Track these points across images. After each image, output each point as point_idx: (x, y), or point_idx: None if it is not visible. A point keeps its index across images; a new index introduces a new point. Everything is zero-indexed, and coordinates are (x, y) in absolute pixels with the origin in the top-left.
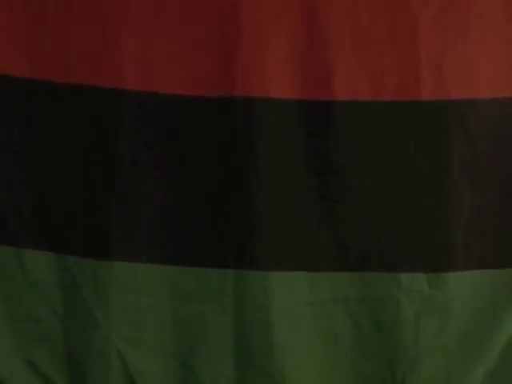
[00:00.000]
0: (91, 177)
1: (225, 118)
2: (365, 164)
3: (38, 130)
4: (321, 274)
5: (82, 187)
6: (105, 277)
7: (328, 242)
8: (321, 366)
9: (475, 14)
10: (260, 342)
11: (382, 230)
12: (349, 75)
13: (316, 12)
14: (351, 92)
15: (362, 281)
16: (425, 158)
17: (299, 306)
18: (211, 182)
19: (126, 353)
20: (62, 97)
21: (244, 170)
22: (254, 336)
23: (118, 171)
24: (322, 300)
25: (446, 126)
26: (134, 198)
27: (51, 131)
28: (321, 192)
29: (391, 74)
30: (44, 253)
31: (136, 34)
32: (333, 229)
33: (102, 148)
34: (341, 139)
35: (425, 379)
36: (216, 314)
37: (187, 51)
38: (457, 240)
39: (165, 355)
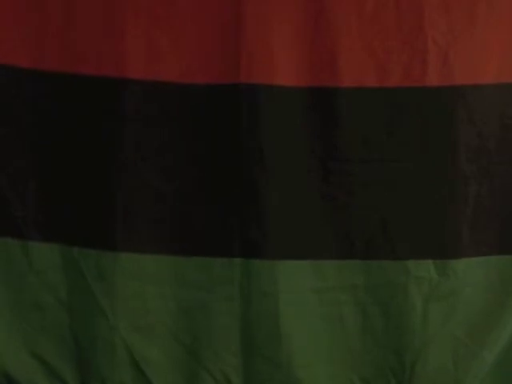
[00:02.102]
0: (96, 168)
1: (229, 105)
2: (370, 151)
3: (43, 121)
4: (327, 261)
5: (87, 178)
6: (110, 267)
7: (334, 230)
8: (327, 354)
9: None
10: (266, 330)
11: (388, 217)
12: (355, 62)
13: None
14: (357, 78)
15: (369, 268)
16: (431, 144)
17: (305, 294)
18: (216, 171)
19: (132, 342)
20: (68, 86)
21: (249, 158)
22: (261, 324)
23: (122, 162)
24: (329, 288)
25: (452, 111)
26: (138, 189)
27: (56, 121)
28: (326, 179)
29: (397, 61)
30: (49, 244)
31: (141, 23)
32: (338, 217)
33: (106, 138)
34: (346, 126)
35: (433, 366)
36: (222, 303)
37: (191, 39)
38: (464, 227)
39: (171, 344)
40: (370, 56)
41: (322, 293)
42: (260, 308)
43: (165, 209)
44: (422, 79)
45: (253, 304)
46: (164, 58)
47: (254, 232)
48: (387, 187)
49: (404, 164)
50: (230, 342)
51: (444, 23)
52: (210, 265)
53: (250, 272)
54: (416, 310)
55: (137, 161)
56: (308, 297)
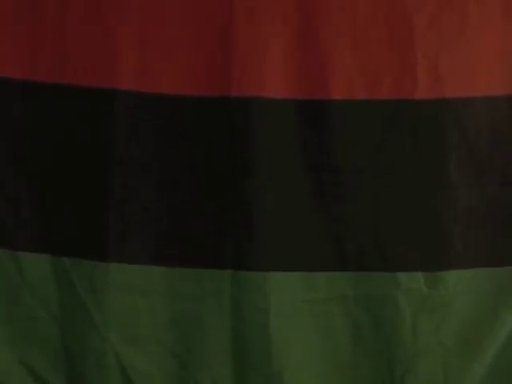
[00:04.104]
0: (87, 178)
1: (221, 118)
2: (361, 163)
3: (35, 132)
4: (318, 273)
5: (79, 189)
6: (101, 278)
7: (325, 242)
8: (319, 366)
9: (471, 12)
10: (258, 343)
11: (379, 229)
12: (345, 74)
13: (313, 12)
14: (347, 91)
15: (360, 280)
16: (421, 156)
17: (297, 307)
18: (207, 182)
19: (123, 354)
20: (58, 98)
21: (240, 170)
22: (252, 336)
23: (114, 172)
24: (320, 300)
25: (443, 124)
26: (130, 200)
27: (47, 133)
28: (317, 191)
29: (387, 73)
30: (41, 255)
31: (132, 34)
32: (330, 228)
33: (98, 149)
34: (337, 138)
35: (423, 378)
36: (213, 315)
37: (183, 51)
38: (454, 238)
39: (162, 356)
40: (361, 69)
41: (314, 305)
42: (251, 320)
43: (156, 220)
44: (412, 92)
45: (244, 316)
46: (156, 70)
47: (246, 244)
48: (378, 199)
49: (395, 176)
50: (222, 354)
51: (434, 37)
52: (201, 277)
53: (241, 284)
54: (406, 321)
55: (128, 172)
56: (299, 309)
